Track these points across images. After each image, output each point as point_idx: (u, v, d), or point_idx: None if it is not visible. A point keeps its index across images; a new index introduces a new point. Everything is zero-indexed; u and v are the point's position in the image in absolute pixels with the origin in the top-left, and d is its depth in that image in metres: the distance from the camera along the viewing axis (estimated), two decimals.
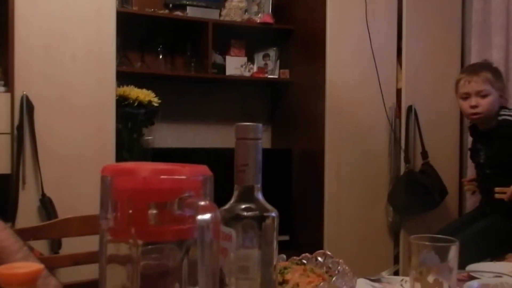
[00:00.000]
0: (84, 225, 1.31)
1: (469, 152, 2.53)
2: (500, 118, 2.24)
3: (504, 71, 2.79)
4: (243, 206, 0.68)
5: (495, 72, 2.30)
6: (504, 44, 2.95)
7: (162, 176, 0.58)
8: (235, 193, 0.70)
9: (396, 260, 3.00)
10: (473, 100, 2.25)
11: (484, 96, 2.25)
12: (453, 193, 3.05)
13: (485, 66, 2.34)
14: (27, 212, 2.28)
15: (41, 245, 2.15)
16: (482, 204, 2.45)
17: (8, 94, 2.28)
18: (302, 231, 2.98)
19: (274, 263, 0.69)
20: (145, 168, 0.59)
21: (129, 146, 2.63)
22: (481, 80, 2.24)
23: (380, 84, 2.91)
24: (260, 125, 0.70)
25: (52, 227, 1.33)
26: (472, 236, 2.15)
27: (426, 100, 3.05)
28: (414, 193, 2.80)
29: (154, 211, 0.59)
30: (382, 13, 2.96)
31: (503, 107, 2.31)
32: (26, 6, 2.31)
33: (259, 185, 0.70)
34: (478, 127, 2.39)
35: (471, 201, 3.00)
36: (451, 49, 3.17)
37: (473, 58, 3.09)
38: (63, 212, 2.31)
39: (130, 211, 0.58)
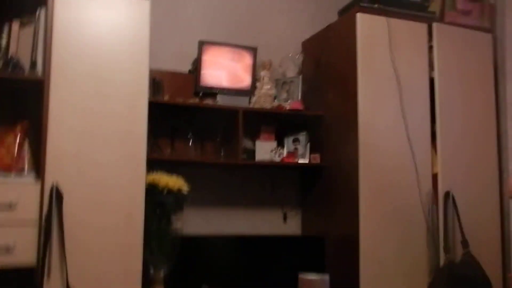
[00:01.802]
0: None
1: None
2: None
3: None
4: None
5: None
6: None
7: None
8: None
9: None
10: None
11: None
12: (497, 286, 2.84)
13: None
14: None
15: None
16: None
17: (38, 184, 2.28)
18: None
19: None
20: None
21: (157, 235, 2.57)
22: None
23: (417, 168, 2.83)
24: (327, 277, 0.63)
25: None
26: None
27: (463, 185, 2.94)
28: (456, 287, 2.62)
29: None
30: (416, 98, 2.93)
31: None
32: (61, 98, 2.36)
33: None
34: None
35: None
36: (487, 131, 3.09)
37: (510, 140, 3.01)
38: None
39: None
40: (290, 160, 3.10)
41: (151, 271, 2.54)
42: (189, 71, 3.13)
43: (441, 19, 3.10)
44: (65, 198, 2.29)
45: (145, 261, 2.45)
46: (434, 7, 3.14)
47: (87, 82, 2.42)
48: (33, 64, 2.41)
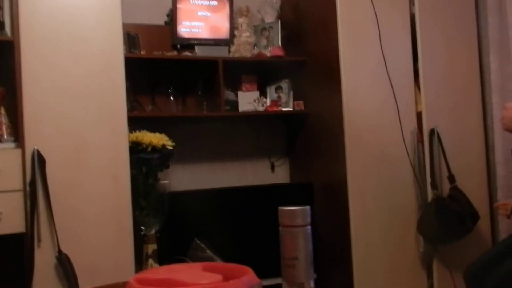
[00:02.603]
0: None
1: None
2: None
3: None
4: None
5: None
6: None
7: None
8: None
9: None
10: (509, 103, 2.21)
11: None
12: (484, 217, 2.90)
13: None
14: (44, 271, 2.19)
15: None
16: None
17: (19, 150, 2.22)
18: (329, 269, 2.84)
19: None
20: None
21: (145, 193, 2.55)
22: None
23: (398, 109, 2.82)
24: (308, 208, 0.60)
25: None
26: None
27: (448, 122, 2.94)
28: (444, 220, 2.66)
29: None
30: (396, 36, 2.88)
31: None
32: (33, 60, 2.27)
33: (311, 283, 0.57)
34: None
35: (505, 224, 2.87)
36: (469, 67, 3.06)
37: (493, 74, 3.00)
38: (81, 268, 2.23)
39: None
40: (274, 108, 3.06)
41: (142, 230, 2.53)
42: (165, 22, 3.03)
43: None
44: (48, 163, 2.24)
45: (136, 220, 2.44)
46: None
47: (59, 40, 2.32)
48: (1, 24, 2.29)
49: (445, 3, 3.01)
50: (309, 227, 0.57)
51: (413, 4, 2.93)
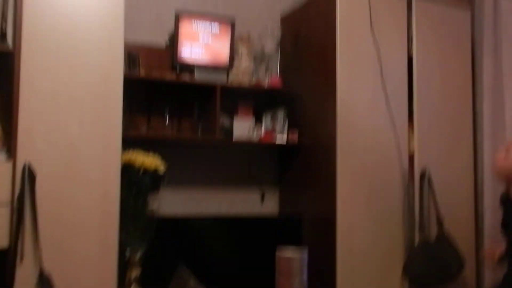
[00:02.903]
0: None
1: (500, 223, 2.41)
2: None
3: None
4: None
5: None
6: None
7: None
8: None
9: None
10: (500, 152, 2.30)
11: (507, 158, 2.25)
12: (470, 264, 2.92)
13: None
14: None
15: None
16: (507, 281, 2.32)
17: (10, 163, 2.19)
18: None
19: None
20: None
21: (134, 215, 2.52)
22: None
23: (393, 148, 2.84)
24: (305, 254, 0.59)
25: None
26: None
27: (439, 165, 2.97)
28: (430, 265, 2.67)
29: None
30: (394, 76, 2.92)
31: None
32: (33, 71, 2.25)
33: None
34: (511, 198, 2.29)
35: (490, 272, 2.88)
36: (463, 111, 3.11)
37: (485, 119, 3.04)
38: (63, 285, 2.19)
39: None
40: (268, 137, 3.06)
41: (127, 253, 2.49)
42: (166, 44, 3.03)
43: None
44: (39, 178, 2.21)
45: (121, 243, 2.41)
46: None
47: (60, 53, 2.31)
48: (3, 35, 2.27)
49: (442, 47, 3.07)
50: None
51: (412, 45, 2.98)
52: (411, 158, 2.92)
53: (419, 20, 3.00)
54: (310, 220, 2.96)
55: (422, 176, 2.89)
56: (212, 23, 3.02)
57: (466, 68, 3.15)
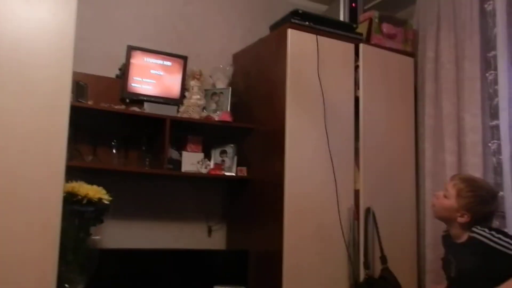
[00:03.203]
0: None
1: (441, 262, 2.47)
2: (471, 235, 2.22)
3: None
4: None
5: (470, 192, 2.28)
6: (456, 149, 3.04)
7: None
8: None
9: None
10: (439, 192, 2.39)
11: (445, 197, 2.32)
12: None
13: (471, 183, 2.33)
14: None
15: None
16: None
17: None
18: None
19: None
20: None
21: (74, 247, 2.42)
22: (452, 184, 2.33)
23: (337, 186, 2.88)
24: None
25: None
26: None
27: (383, 202, 3.04)
28: None
29: None
30: (341, 115, 3.00)
31: (476, 224, 2.24)
32: None
33: None
34: (452, 238, 2.35)
35: None
36: (406, 152, 3.23)
37: (427, 161, 3.16)
38: None
39: None
40: (217, 172, 3.06)
41: (66, 287, 2.39)
42: (116, 76, 3.02)
43: (367, 41, 3.22)
44: None
45: (60, 276, 2.30)
46: (362, 29, 3.25)
47: (2, 79, 2.24)
48: None
49: (387, 90, 3.20)
50: None
51: (358, 88, 3.09)
52: (356, 195, 2.98)
53: (366, 63, 3.13)
54: (257, 255, 2.94)
55: (367, 212, 2.95)
56: (164, 57, 3.04)
57: (410, 110, 3.29)
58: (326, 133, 2.90)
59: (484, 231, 2.17)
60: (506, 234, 2.16)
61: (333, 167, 2.89)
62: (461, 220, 2.26)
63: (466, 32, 3.06)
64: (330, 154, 2.90)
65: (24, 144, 2.26)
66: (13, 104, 2.25)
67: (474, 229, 2.21)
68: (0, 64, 2.24)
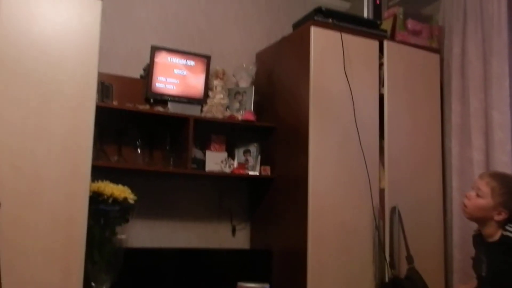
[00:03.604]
0: None
1: (471, 262, 2.42)
2: (504, 233, 2.17)
3: None
4: None
5: (505, 188, 2.22)
6: (484, 147, 2.98)
7: None
8: None
9: None
10: (471, 192, 2.30)
11: (478, 197, 2.25)
12: None
13: (504, 179, 2.28)
14: None
15: None
16: None
17: None
18: None
19: None
20: None
21: (100, 246, 2.45)
22: (485, 182, 2.26)
23: (364, 184, 2.85)
24: (267, 286, 0.58)
25: None
26: None
27: (409, 201, 2.99)
28: None
29: None
30: (365, 113, 2.97)
31: (509, 222, 2.19)
32: (1, 98, 2.22)
33: None
34: (484, 237, 2.30)
35: None
36: (433, 149, 3.17)
37: (454, 158, 3.10)
38: None
39: None
40: (241, 171, 3.06)
41: (93, 286, 2.42)
42: (141, 76, 3.05)
43: (392, 38, 3.17)
44: (3, 205, 2.14)
45: (87, 275, 2.34)
46: (386, 25, 3.21)
47: (30, 78, 2.27)
48: None
49: (412, 87, 3.15)
50: None
51: (383, 85, 3.06)
52: (382, 194, 2.94)
53: (390, 60, 3.09)
54: (280, 254, 2.94)
55: (392, 211, 2.91)
56: (188, 57, 3.06)
57: (435, 107, 3.23)
58: (357, 130, 2.87)
59: None
60: None
61: (365, 163, 2.86)
62: (498, 218, 2.21)
63: (494, 27, 2.99)
64: (363, 151, 2.87)
65: (50, 144, 2.30)
66: (40, 105, 2.30)
67: (507, 227, 2.17)
68: (27, 66, 2.29)
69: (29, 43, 2.29)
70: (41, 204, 2.25)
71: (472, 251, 2.42)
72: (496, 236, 2.21)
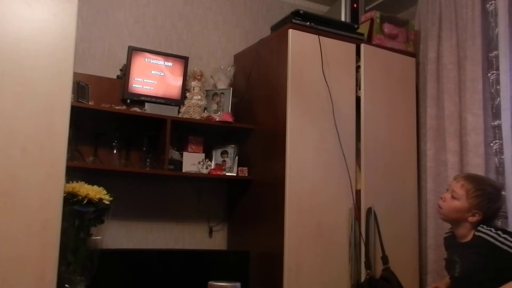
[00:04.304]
0: None
1: (444, 263, 2.45)
2: (477, 234, 2.21)
3: None
4: None
5: (480, 191, 2.25)
6: (458, 149, 3.03)
7: None
8: None
9: None
10: (446, 194, 2.34)
11: (453, 198, 2.28)
12: None
13: (478, 181, 2.31)
14: None
15: None
16: None
17: None
18: None
19: None
20: None
21: (75, 247, 2.42)
22: (460, 185, 2.28)
23: (340, 185, 2.88)
24: (239, 285, 0.59)
25: None
26: None
27: (385, 202, 3.03)
28: None
29: None
30: (342, 115, 2.99)
31: (482, 223, 2.23)
32: None
33: None
34: (457, 238, 2.34)
35: None
36: (408, 152, 3.22)
37: (429, 161, 3.15)
38: None
39: None
40: (218, 172, 3.06)
41: None
42: (117, 76, 3.03)
43: (369, 41, 3.21)
44: None
45: (60, 277, 2.30)
46: (363, 29, 3.25)
47: (5, 80, 2.24)
48: None
49: (389, 90, 3.19)
50: None
51: (359, 88, 3.09)
52: (358, 195, 2.97)
53: (367, 63, 3.12)
54: (257, 255, 2.94)
55: (368, 212, 2.94)
56: (165, 58, 3.05)
57: (411, 110, 3.28)
58: (337, 132, 2.89)
59: (490, 230, 2.16)
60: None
61: (346, 165, 2.88)
62: (472, 219, 2.24)
63: (468, 32, 3.05)
64: (343, 153, 2.90)
65: (24, 144, 2.26)
66: (14, 105, 2.26)
67: (479, 228, 2.21)
68: (1, 65, 2.25)
69: (2, 42, 2.26)
70: (15, 205, 2.21)
71: (445, 253, 2.46)
72: (469, 237, 2.25)
